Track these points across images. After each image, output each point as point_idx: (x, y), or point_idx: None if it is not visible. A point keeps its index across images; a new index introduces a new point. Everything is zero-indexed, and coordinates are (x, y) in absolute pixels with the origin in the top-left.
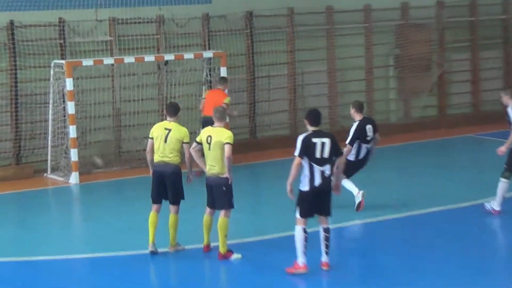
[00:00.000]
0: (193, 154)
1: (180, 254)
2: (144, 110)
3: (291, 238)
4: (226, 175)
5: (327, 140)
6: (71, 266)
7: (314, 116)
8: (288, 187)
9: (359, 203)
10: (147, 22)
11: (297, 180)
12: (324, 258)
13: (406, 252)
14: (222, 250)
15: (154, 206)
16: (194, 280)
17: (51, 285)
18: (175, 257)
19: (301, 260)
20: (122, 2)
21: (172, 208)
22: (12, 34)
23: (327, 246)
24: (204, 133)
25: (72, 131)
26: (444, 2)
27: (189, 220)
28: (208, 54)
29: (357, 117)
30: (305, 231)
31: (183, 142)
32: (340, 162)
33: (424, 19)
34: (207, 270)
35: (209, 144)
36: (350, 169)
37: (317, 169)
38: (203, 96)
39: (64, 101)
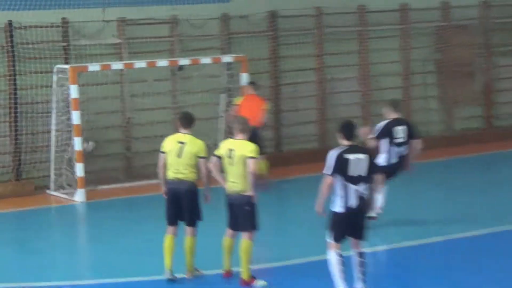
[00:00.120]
0: (213, 169)
1: (198, 280)
2: (156, 121)
3: (321, 264)
4: (249, 192)
5: (363, 156)
6: None
7: (348, 129)
8: (319, 209)
9: (371, 217)
10: (160, 23)
11: (328, 199)
12: (360, 286)
13: (449, 277)
14: (244, 276)
15: (170, 229)
16: None
17: None
18: (193, 284)
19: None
20: (132, 1)
21: (188, 230)
22: (11, 36)
23: (363, 273)
24: (224, 146)
25: (78, 143)
26: (490, 2)
27: (207, 242)
28: (227, 58)
29: (390, 116)
30: (340, 255)
31: (198, 157)
32: (377, 179)
33: (467, 20)
34: None
35: (231, 158)
36: (385, 173)
37: (351, 188)
38: (235, 102)
39: (68, 110)
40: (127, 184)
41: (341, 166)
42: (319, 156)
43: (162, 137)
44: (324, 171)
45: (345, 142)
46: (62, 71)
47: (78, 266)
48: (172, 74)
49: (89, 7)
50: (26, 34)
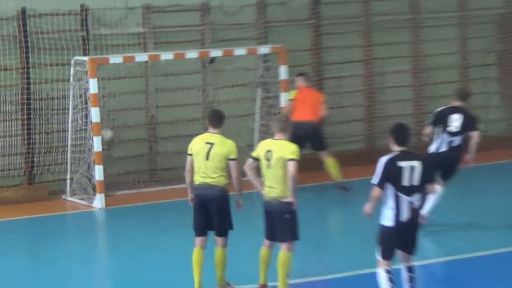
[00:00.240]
0: (248, 173)
1: None
2: (184, 119)
3: (367, 277)
4: (289, 199)
5: (417, 163)
6: None
7: (401, 133)
8: (368, 211)
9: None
10: (189, 10)
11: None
12: None
13: None
14: None
15: (198, 240)
16: None
17: None
18: None
19: None
20: None
21: (218, 240)
22: (24, 25)
23: None
24: (262, 147)
25: (97, 144)
26: None
27: (240, 253)
28: (264, 49)
29: (452, 103)
30: (389, 272)
31: (229, 159)
32: (431, 189)
33: None
34: None
35: (269, 160)
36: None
37: (404, 200)
38: (290, 97)
39: (86, 107)
40: (150, 189)
41: (392, 175)
42: (366, 158)
43: (190, 137)
44: (372, 181)
45: (396, 148)
46: (80, 63)
47: (94, 279)
48: (203, 67)
49: None
50: (41, 23)
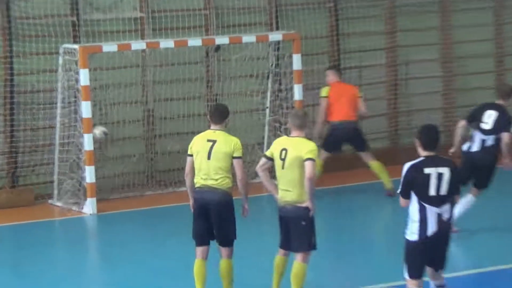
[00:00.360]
0: (260, 174)
1: None
2: (186, 114)
3: None
4: (306, 203)
5: (446, 170)
6: None
7: (428, 137)
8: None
9: None
10: None
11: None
12: None
13: None
14: None
15: (199, 251)
16: None
17: None
18: None
19: None
20: None
21: (222, 251)
22: (7, 9)
23: None
24: (277, 145)
25: (88, 142)
26: None
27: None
28: (275, 36)
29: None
30: None
31: (233, 157)
32: (457, 200)
33: None
34: None
35: (283, 160)
36: (462, 164)
37: (431, 211)
38: (323, 94)
39: (76, 101)
40: (147, 193)
41: (417, 183)
42: (389, 158)
43: (192, 134)
44: (398, 190)
45: (423, 153)
46: (70, 52)
47: None
48: (207, 56)
49: None
50: (26, 7)
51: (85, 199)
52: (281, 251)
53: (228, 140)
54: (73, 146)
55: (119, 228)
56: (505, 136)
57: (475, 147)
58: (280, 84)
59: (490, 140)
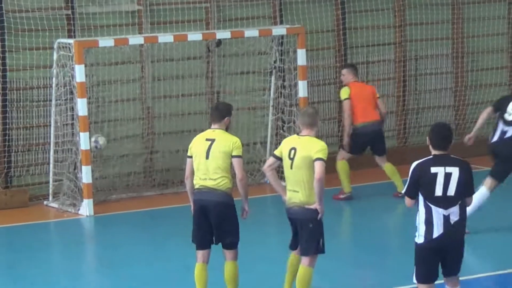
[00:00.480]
0: (268, 174)
1: None
2: (186, 111)
3: None
4: (315, 205)
5: (455, 170)
6: None
7: (438, 135)
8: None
9: None
10: None
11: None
12: None
13: None
14: None
15: (200, 254)
16: None
17: None
18: None
19: None
20: None
21: (227, 253)
22: None
23: None
24: (286, 144)
25: (84, 141)
26: None
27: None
28: (279, 30)
29: None
30: None
31: (232, 156)
32: (468, 202)
33: None
34: None
35: (292, 160)
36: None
37: (437, 212)
38: (345, 96)
39: (72, 98)
40: (145, 194)
41: (423, 183)
42: (397, 157)
43: (192, 132)
44: (404, 189)
45: (433, 151)
46: (65, 47)
47: None
48: (208, 51)
49: None
50: (19, 0)
51: (82, 200)
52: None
53: (227, 139)
54: (68, 145)
55: (117, 230)
56: None
57: (495, 137)
58: (284, 80)
59: (510, 132)
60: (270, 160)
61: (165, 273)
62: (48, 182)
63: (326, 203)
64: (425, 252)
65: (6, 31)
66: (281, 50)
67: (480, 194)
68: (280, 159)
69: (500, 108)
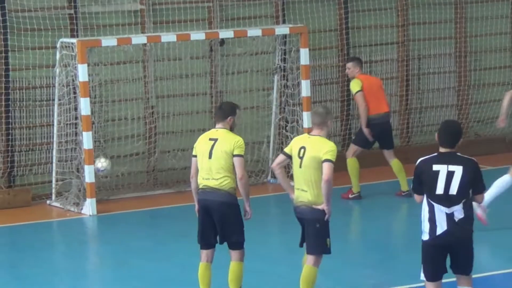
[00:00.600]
0: (276, 172)
1: None
2: (189, 111)
3: None
4: (322, 206)
5: (458, 169)
6: None
7: (446, 132)
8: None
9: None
10: None
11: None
12: None
13: None
14: None
15: (203, 254)
16: None
17: None
18: None
19: None
20: None
21: (232, 253)
22: (2, 1)
23: None
24: (296, 143)
25: (87, 140)
26: None
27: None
28: (282, 30)
29: None
30: None
31: (233, 155)
32: (479, 199)
33: None
34: None
35: (301, 159)
36: None
37: (439, 210)
38: (358, 89)
39: (75, 97)
40: (149, 193)
41: (425, 180)
42: (400, 157)
43: (195, 132)
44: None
45: (440, 149)
46: (68, 46)
47: None
48: (210, 50)
49: None
50: None
51: (85, 200)
52: None
53: (229, 139)
54: (71, 144)
55: (119, 230)
56: None
57: None
58: (287, 79)
59: None
60: (280, 157)
61: (168, 272)
62: (51, 182)
63: (333, 201)
64: (430, 249)
65: (9, 30)
66: (284, 50)
67: (503, 181)
68: (289, 156)
69: None
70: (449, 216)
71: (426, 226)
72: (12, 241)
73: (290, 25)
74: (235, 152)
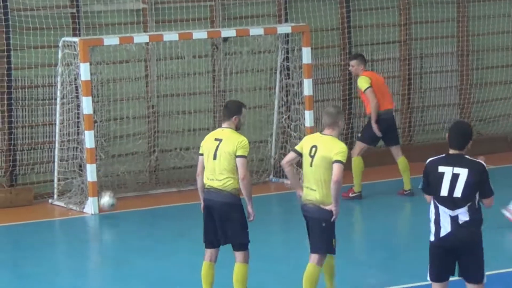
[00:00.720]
0: (286, 169)
1: None
2: (192, 110)
3: None
4: (331, 207)
5: (463, 172)
6: None
7: (454, 133)
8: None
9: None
10: None
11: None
12: None
13: None
14: None
15: (207, 253)
16: None
17: None
18: None
19: None
20: None
21: (236, 255)
22: (4, 0)
23: None
24: (308, 141)
25: (89, 139)
26: None
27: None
28: (284, 29)
29: None
30: None
31: (236, 156)
32: (488, 203)
33: None
34: None
35: (312, 158)
36: None
37: (443, 212)
38: (367, 85)
39: (77, 96)
40: (151, 192)
41: (431, 181)
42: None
43: (197, 131)
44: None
45: (449, 150)
46: (70, 45)
47: None
48: (213, 49)
49: None
50: None
51: (87, 199)
52: None
53: (233, 139)
54: (73, 143)
55: (121, 228)
56: None
57: None
58: (289, 78)
59: None
60: (290, 155)
61: (171, 271)
62: (53, 181)
63: None
64: (436, 250)
65: (11, 29)
66: (287, 49)
67: None
68: (300, 154)
69: None
70: (453, 219)
71: (432, 227)
72: (14, 240)
73: (292, 24)
74: (238, 153)
